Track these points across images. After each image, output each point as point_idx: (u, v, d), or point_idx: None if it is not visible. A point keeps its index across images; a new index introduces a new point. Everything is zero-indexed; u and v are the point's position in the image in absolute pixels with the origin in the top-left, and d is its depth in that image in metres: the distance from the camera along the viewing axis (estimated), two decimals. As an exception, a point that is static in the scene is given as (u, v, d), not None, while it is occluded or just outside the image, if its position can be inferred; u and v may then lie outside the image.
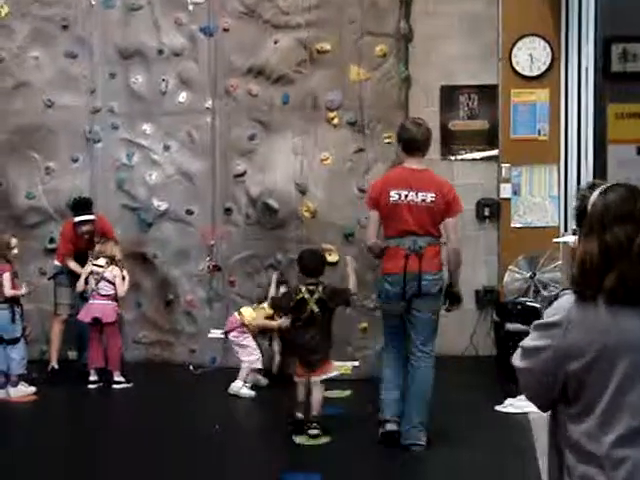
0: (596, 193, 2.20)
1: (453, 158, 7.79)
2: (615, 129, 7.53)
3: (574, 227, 7.13)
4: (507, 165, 7.61)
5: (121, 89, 7.65)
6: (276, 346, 6.89)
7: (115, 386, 6.87)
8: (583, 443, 2.15)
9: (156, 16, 7.53)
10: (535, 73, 7.53)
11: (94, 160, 7.69)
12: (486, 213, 7.70)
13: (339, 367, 6.06)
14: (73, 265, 7.09)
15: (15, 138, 7.71)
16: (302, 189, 7.21)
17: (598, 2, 7.16)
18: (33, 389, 6.66)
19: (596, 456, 2.12)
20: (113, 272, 6.96)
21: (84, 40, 7.64)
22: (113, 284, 6.94)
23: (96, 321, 6.91)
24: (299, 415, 5.62)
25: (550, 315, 2.21)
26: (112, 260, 6.97)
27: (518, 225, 7.62)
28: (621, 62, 7.47)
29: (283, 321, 6.39)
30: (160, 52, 7.52)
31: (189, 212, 7.53)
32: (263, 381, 6.79)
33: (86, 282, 6.95)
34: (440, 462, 5.28)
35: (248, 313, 6.71)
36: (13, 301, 6.56)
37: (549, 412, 2.30)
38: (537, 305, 6.80)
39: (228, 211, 7.44)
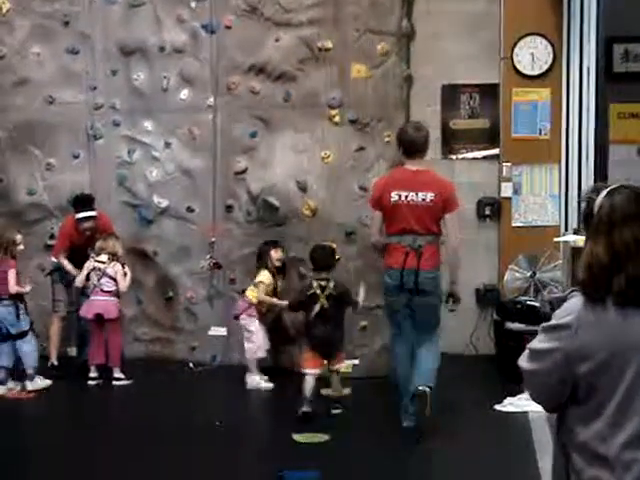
0: (602, 195, 2.20)
1: (454, 157, 7.80)
2: (616, 129, 7.54)
3: (575, 226, 7.18)
4: (508, 164, 7.61)
5: (122, 86, 7.63)
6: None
7: (115, 383, 6.88)
8: (592, 445, 2.15)
9: (158, 13, 7.51)
10: (536, 72, 7.51)
11: (95, 157, 7.68)
12: (487, 212, 7.67)
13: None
14: (65, 263, 7.09)
15: (16, 134, 7.70)
16: (303, 187, 7.21)
17: (600, 2, 7.15)
18: (49, 382, 6.69)
19: (606, 458, 2.12)
20: (115, 268, 6.97)
21: (85, 36, 7.63)
22: (115, 280, 6.96)
23: (98, 317, 6.93)
24: (305, 409, 5.76)
25: (559, 317, 2.20)
26: (114, 256, 6.99)
27: (519, 224, 7.62)
28: (623, 62, 7.49)
29: (282, 303, 6.62)
30: (162, 49, 7.50)
31: (190, 209, 7.53)
32: (265, 384, 6.74)
33: (87, 278, 6.97)
34: (440, 461, 5.30)
35: (250, 293, 6.76)
36: (17, 297, 6.59)
37: (555, 414, 2.29)
38: (537, 304, 6.80)
39: (229, 208, 7.44)
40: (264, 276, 6.76)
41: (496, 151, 7.71)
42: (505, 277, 7.29)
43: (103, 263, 6.96)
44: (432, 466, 5.27)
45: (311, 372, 5.88)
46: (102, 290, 6.93)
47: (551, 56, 7.49)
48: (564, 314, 2.20)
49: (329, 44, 7.16)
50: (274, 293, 6.81)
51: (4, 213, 7.77)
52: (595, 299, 2.15)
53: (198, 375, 7.19)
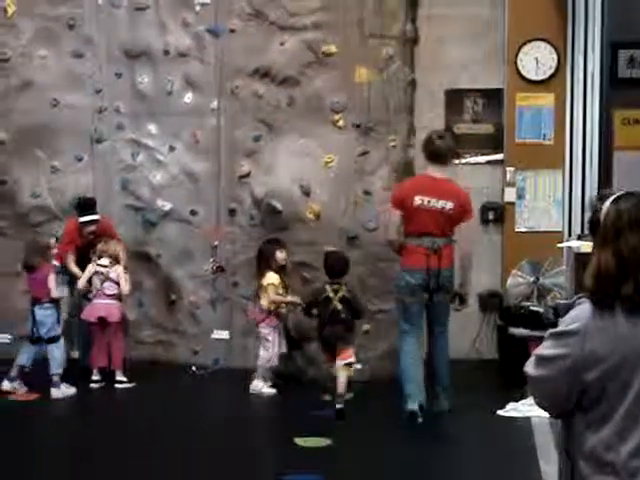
0: (608, 202, 2.21)
1: (458, 162, 7.77)
2: (621, 135, 7.53)
3: (578, 232, 7.18)
4: (512, 169, 7.59)
5: (127, 89, 7.63)
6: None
7: (117, 385, 6.88)
8: (600, 452, 2.14)
9: (162, 16, 7.52)
10: (541, 77, 7.49)
11: (99, 160, 7.69)
12: (490, 217, 7.68)
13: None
14: (72, 265, 7.09)
15: (20, 137, 7.70)
16: (306, 191, 7.21)
17: (605, 7, 7.16)
18: (74, 390, 6.68)
19: (613, 466, 2.11)
20: (117, 271, 6.98)
21: (90, 40, 7.63)
22: (117, 283, 6.97)
23: (101, 320, 6.94)
24: (339, 406, 6.02)
25: (567, 324, 2.20)
26: (115, 259, 7.01)
27: (522, 229, 7.61)
28: (628, 68, 7.47)
29: (297, 299, 6.69)
30: (166, 52, 7.50)
31: (193, 213, 7.54)
32: (268, 390, 6.71)
33: (90, 282, 6.99)
34: (442, 464, 5.30)
35: (264, 300, 6.70)
36: (57, 302, 6.69)
37: (561, 421, 2.29)
38: (540, 310, 6.79)
39: (232, 212, 7.45)
40: (272, 278, 6.72)
41: (500, 156, 7.70)
42: (508, 282, 7.25)
43: (105, 267, 6.97)
44: (434, 469, 5.26)
45: (327, 365, 6.28)
46: (105, 293, 6.94)
47: (555, 61, 7.47)
48: (572, 321, 2.19)
49: (333, 48, 7.16)
50: (286, 291, 6.79)
51: (9, 216, 7.78)
52: (603, 306, 2.15)
53: (200, 378, 7.18)
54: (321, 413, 6.05)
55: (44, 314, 6.61)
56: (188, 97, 7.52)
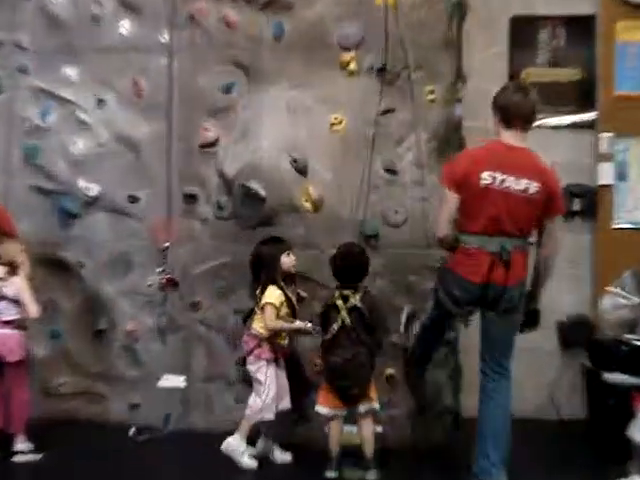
0: None
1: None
2: None
3: None
4: (608, 135, 7.70)
5: (32, 14, 7.70)
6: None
7: (18, 458, 6.82)
8: None
9: None
10: (653, -1, 7.67)
11: (-9, 119, 7.76)
12: (575, 207, 7.82)
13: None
14: None
15: None
16: (301, 168, 7.23)
17: None
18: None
19: None
20: (16, 285, 6.92)
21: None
22: (17, 303, 6.91)
23: (-7, 360, 6.90)
24: (330, 475, 6.21)
25: None
26: (13, 268, 6.93)
27: (624, 225, 7.77)
28: None
29: (305, 325, 6.70)
30: (92, -42, 7.60)
31: (132, 199, 7.54)
32: (281, 456, 6.77)
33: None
34: None
35: (257, 323, 6.73)
36: None
37: None
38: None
39: (191, 198, 7.45)
40: (273, 295, 6.67)
41: (591, 115, 7.82)
42: (602, 304, 7.30)
43: None
44: None
45: (326, 412, 6.32)
46: (-1, 320, 6.90)
47: (673, -25, 7.60)
48: None
49: (342, -46, 7.20)
50: (293, 314, 6.75)
51: None
52: None
53: (143, 446, 7.15)
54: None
55: None
56: (124, 26, 7.51)
